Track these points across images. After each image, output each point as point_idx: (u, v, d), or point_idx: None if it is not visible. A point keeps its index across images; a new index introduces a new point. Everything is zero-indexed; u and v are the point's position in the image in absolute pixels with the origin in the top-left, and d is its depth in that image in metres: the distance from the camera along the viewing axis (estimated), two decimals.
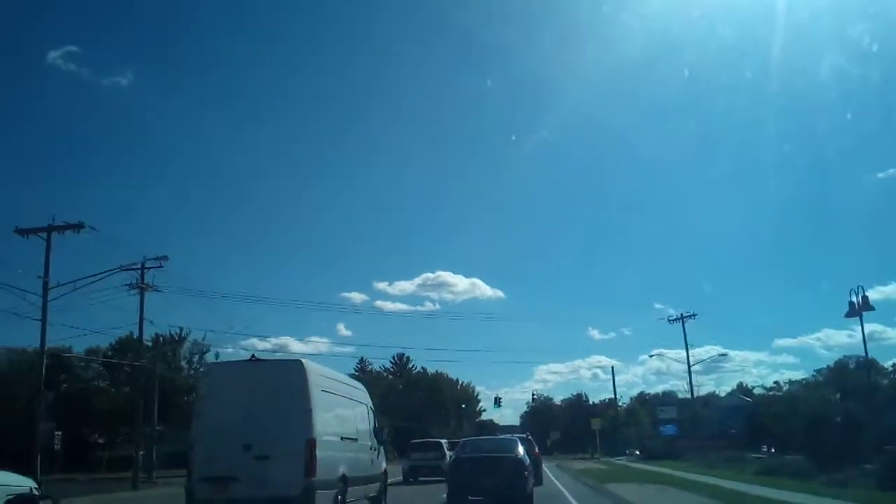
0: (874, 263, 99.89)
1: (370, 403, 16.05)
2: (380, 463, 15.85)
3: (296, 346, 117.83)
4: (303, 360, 12.38)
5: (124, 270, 36.31)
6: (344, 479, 12.42)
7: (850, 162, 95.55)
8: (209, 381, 12.74)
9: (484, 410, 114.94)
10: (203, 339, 66.73)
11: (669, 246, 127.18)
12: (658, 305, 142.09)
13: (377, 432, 15.88)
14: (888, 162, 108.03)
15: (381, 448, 16.10)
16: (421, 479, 26.36)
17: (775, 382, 64.08)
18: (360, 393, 15.56)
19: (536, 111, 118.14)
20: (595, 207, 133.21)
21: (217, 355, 68.05)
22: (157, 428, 62.83)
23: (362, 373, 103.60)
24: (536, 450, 23.89)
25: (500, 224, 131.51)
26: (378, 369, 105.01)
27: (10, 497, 8.39)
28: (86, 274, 32.87)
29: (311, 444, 11.01)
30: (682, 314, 55.66)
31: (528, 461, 16.22)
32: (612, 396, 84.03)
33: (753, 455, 32.17)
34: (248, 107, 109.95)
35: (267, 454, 11.01)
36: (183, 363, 66.46)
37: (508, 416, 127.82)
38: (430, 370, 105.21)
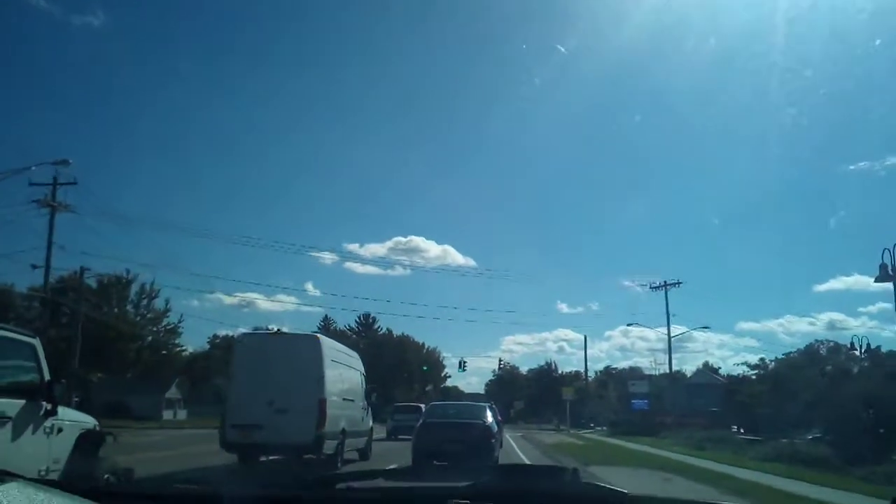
0: (841, 253, 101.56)
1: (363, 370, 18.31)
2: (368, 421, 18.41)
3: (263, 304, 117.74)
4: (318, 336, 15.49)
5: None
6: (343, 432, 14.95)
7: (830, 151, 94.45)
8: (241, 348, 15.36)
9: (449, 377, 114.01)
10: (152, 283, 62.67)
11: (641, 222, 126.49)
12: (626, 282, 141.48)
13: (367, 395, 18.48)
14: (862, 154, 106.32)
15: (370, 408, 18.65)
16: (401, 436, 28.93)
17: (761, 359, 61.19)
18: (357, 362, 17.92)
19: (511, 74, 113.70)
20: (569, 181, 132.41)
21: (167, 302, 64.81)
22: (99, 375, 59.38)
23: (325, 331, 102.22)
24: (499, 418, 23.66)
25: (475, 192, 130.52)
26: (342, 328, 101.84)
27: (82, 432, 8.89)
28: None
29: (322, 403, 13.69)
30: (665, 281, 52.59)
31: (495, 428, 16.66)
32: (578, 370, 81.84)
33: (740, 437, 29.20)
34: (225, 55, 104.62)
35: (286, 409, 13.53)
36: (129, 308, 62.31)
37: (474, 383, 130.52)
38: (396, 333, 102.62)
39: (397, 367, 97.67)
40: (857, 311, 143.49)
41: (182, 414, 62.42)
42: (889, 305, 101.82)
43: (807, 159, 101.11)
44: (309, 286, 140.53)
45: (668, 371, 55.90)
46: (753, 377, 62.29)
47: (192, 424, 46.27)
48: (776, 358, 66.46)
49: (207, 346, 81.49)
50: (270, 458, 14.69)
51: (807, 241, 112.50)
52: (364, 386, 18.10)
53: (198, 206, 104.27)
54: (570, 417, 79.45)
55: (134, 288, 63.07)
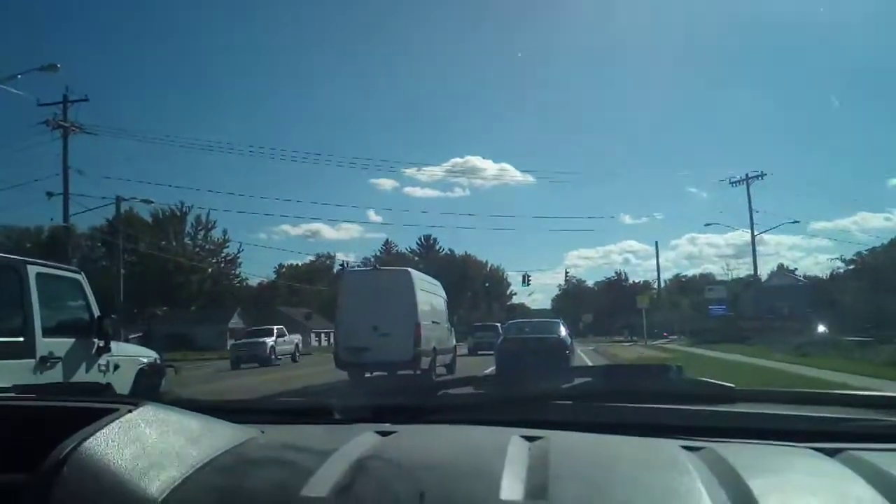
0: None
1: (445, 296, 20.06)
2: (452, 340, 20.30)
3: (328, 233, 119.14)
4: (410, 270, 17.51)
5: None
6: (434, 350, 16.90)
7: None
8: (345, 283, 17.96)
9: (514, 294, 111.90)
10: (208, 215, 61.80)
11: (703, 127, 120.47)
12: (692, 189, 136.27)
13: (450, 318, 20.50)
14: None
15: (453, 329, 20.74)
16: (480, 352, 31.59)
17: (857, 253, 55.77)
18: (440, 289, 19.67)
19: None
20: (627, 91, 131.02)
21: (225, 233, 64.22)
22: (164, 309, 59.49)
23: (388, 255, 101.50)
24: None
25: (530, 107, 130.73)
26: (404, 251, 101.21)
27: (143, 366, 9.02)
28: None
29: (417, 327, 15.86)
30: (746, 175, 47.63)
31: (569, 341, 17.89)
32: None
33: (848, 339, 25.85)
34: None
35: (388, 332, 15.51)
36: (187, 241, 61.77)
37: (540, 300, 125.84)
38: (458, 253, 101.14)
39: (461, 286, 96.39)
40: None
41: None
42: None
43: (876, 48, 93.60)
44: (371, 213, 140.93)
45: (747, 274, 52.43)
46: (842, 273, 58.00)
47: None
48: (860, 254, 61.81)
49: (274, 276, 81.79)
50: (375, 374, 16.54)
51: (878, 132, 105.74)
52: (447, 309, 20.02)
53: (234, 131, 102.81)
54: (643, 329, 76.91)
55: (189, 221, 62.43)
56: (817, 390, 2.08)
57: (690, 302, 77.22)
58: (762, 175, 47.99)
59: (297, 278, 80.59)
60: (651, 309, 74.05)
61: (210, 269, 62.91)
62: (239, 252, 64.51)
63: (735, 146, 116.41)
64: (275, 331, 33.86)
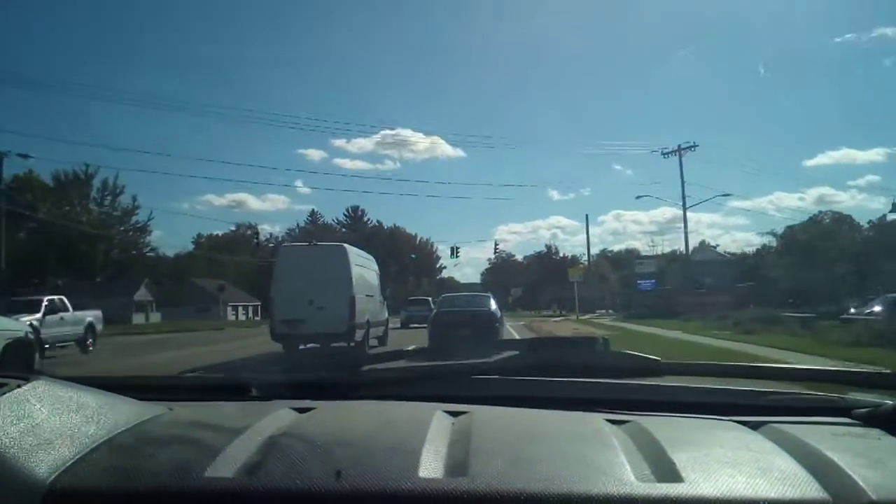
0: (828, 127, 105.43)
1: (378, 270, 20.44)
2: (384, 313, 20.77)
3: (253, 203, 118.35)
4: (345, 245, 18.29)
5: None
6: (368, 322, 17.68)
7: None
8: (282, 257, 18.20)
9: (444, 268, 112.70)
10: (116, 178, 57.26)
11: (631, 103, 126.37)
12: (617, 167, 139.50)
13: (383, 291, 20.52)
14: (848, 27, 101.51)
15: (385, 302, 21.03)
16: (412, 325, 32.71)
17: (787, 227, 56.15)
18: (373, 264, 20.16)
19: None
20: (556, 65, 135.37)
21: (135, 199, 59.92)
22: (63, 280, 55.01)
23: (313, 225, 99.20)
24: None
25: (461, 81, 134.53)
26: (330, 222, 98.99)
27: (10, 341, 8.69)
28: None
29: (352, 300, 16.48)
30: (679, 145, 46.89)
31: (499, 314, 18.69)
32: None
33: (787, 314, 24.81)
34: None
35: (324, 305, 16.10)
36: (92, 207, 57.19)
37: (469, 274, 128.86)
38: (387, 225, 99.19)
39: (389, 259, 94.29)
40: (846, 185, 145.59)
41: (155, 317, 58.29)
42: (877, 178, 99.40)
43: (792, 31, 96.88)
44: (299, 183, 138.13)
45: (672, 249, 51.82)
46: (768, 249, 58.18)
47: (168, 328, 41.42)
48: (789, 228, 62.29)
49: (192, 247, 78.05)
50: (308, 345, 16.91)
51: (795, 116, 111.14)
52: (380, 284, 20.34)
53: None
54: (569, 303, 76.19)
55: (96, 186, 57.79)
56: (742, 363, 1.97)
57: (619, 276, 77.00)
58: (694, 146, 47.36)
59: (217, 249, 77.05)
60: (581, 283, 73.65)
61: (117, 238, 58.21)
62: (149, 220, 60.35)
63: (659, 124, 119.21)
64: (43, 304, 20.89)
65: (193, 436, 0.99)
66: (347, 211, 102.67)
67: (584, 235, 60.04)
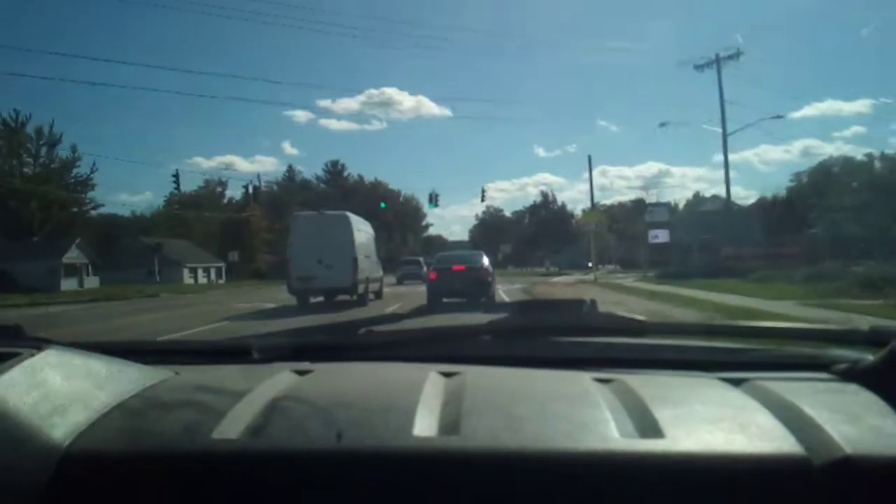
0: (813, 79, 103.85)
1: (373, 233, 24.22)
2: (380, 271, 23.95)
3: (242, 165, 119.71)
4: (348, 214, 21.27)
5: None
6: (367, 279, 20.70)
7: None
8: (295, 225, 21.08)
9: (430, 225, 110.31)
10: (52, 126, 50.00)
11: (612, 58, 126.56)
12: (601, 122, 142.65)
13: (377, 251, 24.23)
14: None
15: (379, 261, 24.30)
16: (406, 281, 37.27)
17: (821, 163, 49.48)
18: (369, 228, 23.84)
19: None
20: (539, 20, 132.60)
21: (75, 149, 53.01)
22: None
23: (291, 181, 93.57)
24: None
25: (447, 36, 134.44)
26: (308, 178, 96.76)
27: None
28: None
29: (354, 260, 19.51)
30: (717, 54, 36.14)
31: (491, 269, 19.51)
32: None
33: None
34: None
35: (331, 265, 19.02)
36: (27, 158, 49.79)
37: (457, 231, 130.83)
38: (368, 179, 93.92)
39: (372, 215, 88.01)
40: (832, 137, 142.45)
41: (92, 282, 50.92)
42: (862, 129, 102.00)
43: None
44: (286, 145, 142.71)
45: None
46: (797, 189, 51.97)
47: (88, 296, 34.42)
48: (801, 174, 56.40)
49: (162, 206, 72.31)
50: (318, 299, 19.98)
51: (779, 68, 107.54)
52: (375, 245, 23.54)
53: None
54: (567, 259, 69.75)
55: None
56: (725, 322, 2.19)
57: (616, 229, 70.76)
58: (738, 54, 36.53)
59: (185, 207, 70.87)
60: (579, 236, 66.94)
61: (47, 193, 49.79)
62: (92, 172, 53.02)
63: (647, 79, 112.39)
64: None
65: (199, 399, 1.03)
66: (326, 165, 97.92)
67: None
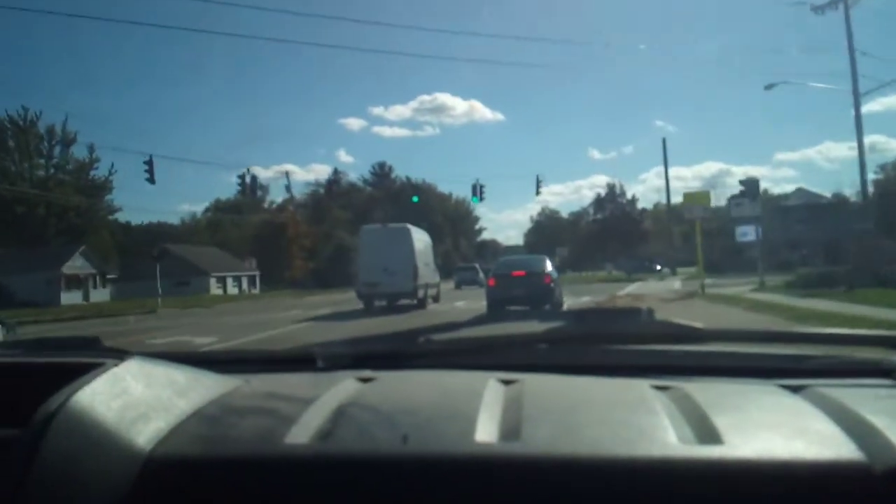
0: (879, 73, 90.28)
1: (430, 242, 27.33)
2: (437, 276, 26.69)
3: (299, 175, 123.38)
4: (409, 226, 24.00)
5: None
6: (426, 285, 23.50)
7: None
8: (363, 237, 24.31)
9: (484, 230, 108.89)
10: (65, 124, 45.81)
11: (666, 60, 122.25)
12: (658, 122, 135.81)
13: (434, 258, 26.96)
14: None
15: (437, 268, 27.15)
16: (463, 286, 39.98)
17: None
18: (427, 237, 26.98)
19: None
20: (595, 24, 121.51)
21: (92, 149, 49.12)
22: None
23: (336, 185, 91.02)
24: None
25: (499, 43, 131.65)
26: (353, 181, 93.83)
27: None
28: None
29: (415, 268, 22.32)
30: None
31: (555, 275, 19.54)
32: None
33: None
34: None
35: (395, 272, 21.64)
36: (40, 161, 45.72)
37: (512, 236, 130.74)
38: (416, 180, 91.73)
39: (420, 219, 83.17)
40: None
41: (101, 294, 46.21)
42: None
43: None
44: (341, 153, 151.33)
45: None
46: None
47: (72, 313, 30.28)
48: None
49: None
50: (383, 302, 22.45)
51: (843, 62, 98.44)
52: (432, 253, 26.59)
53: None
54: (632, 262, 62.32)
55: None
56: (784, 329, 2.07)
57: (680, 230, 63.65)
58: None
59: (225, 213, 68.68)
60: (641, 237, 59.62)
61: (65, 199, 44.99)
62: (110, 175, 48.63)
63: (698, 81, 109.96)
64: None
65: (270, 406, 1.08)
66: (373, 167, 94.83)
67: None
